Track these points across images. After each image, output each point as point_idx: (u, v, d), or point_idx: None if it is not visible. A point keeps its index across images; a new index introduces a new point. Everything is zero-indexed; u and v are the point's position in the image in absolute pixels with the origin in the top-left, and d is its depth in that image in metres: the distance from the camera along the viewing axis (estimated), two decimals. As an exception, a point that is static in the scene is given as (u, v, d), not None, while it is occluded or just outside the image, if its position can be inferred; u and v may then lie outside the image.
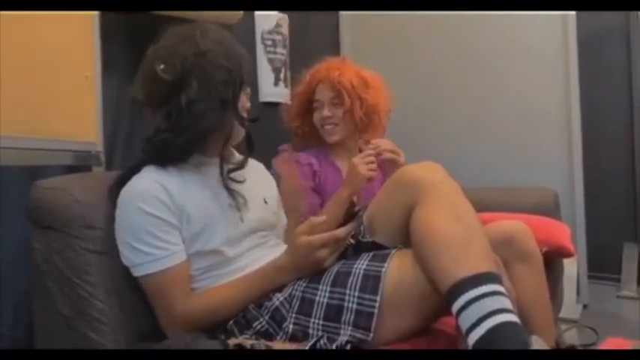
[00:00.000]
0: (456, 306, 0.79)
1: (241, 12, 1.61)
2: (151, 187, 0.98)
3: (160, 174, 1.00)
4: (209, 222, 1.01)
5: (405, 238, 0.93)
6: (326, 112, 1.47)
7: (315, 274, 0.96)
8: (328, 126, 1.48)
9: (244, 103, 1.09)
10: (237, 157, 1.15)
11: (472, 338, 0.77)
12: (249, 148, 1.10)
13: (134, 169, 1.03)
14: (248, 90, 1.10)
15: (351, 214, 0.96)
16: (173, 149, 1.00)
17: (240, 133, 1.08)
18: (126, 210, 0.98)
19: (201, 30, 1.03)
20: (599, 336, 1.63)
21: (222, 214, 1.03)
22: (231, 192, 1.04)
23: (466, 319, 0.78)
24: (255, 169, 1.24)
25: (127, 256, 0.98)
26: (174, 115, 0.99)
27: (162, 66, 0.99)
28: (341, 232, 0.95)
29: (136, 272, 0.98)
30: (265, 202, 1.16)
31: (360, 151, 1.59)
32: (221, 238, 1.02)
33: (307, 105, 1.53)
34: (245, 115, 1.08)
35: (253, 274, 1.00)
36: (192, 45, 1.00)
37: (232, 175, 1.05)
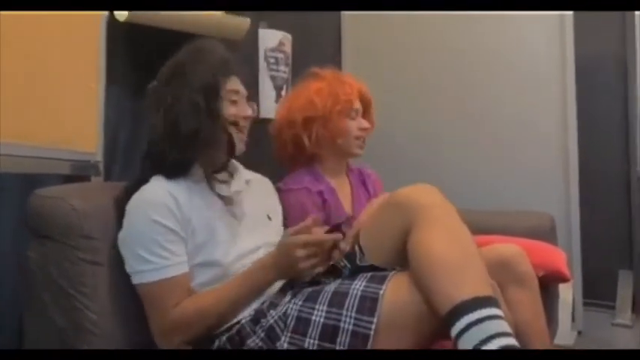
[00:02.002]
0: (455, 329, 0.78)
1: (246, 29, 1.63)
2: (161, 195, 1.00)
3: (170, 184, 1.03)
4: (211, 236, 1.02)
5: (402, 260, 0.93)
6: (365, 124, 1.43)
7: (293, 276, 0.99)
8: (362, 138, 1.44)
9: (242, 110, 1.09)
10: (242, 170, 1.17)
11: None
12: (229, 153, 1.09)
13: (142, 180, 1.04)
14: (233, 96, 1.09)
15: (335, 225, 0.97)
16: (168, 159, 1.03)
17: (237, 143, 1.09)
18: (135, 217, 0.99)
19: (190, 43, 1.09)
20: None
21: (225, 230, 1.05)
22: (222, 198, 1.05)
23: (466, 343, 0.77)
24: (260, 183, 1.24)
25: (130, 263, 0.99)
26: (156, 125, 1.04)
27: (155, 82, 1.07)
28: (324, 237, 0.96)
29: (136, 280, 0.99)
30: (269, 219, 1.16)
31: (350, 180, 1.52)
32: (222, 252, 1.02)
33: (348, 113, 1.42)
34: (242, 123, 1.09)
35: (240, 275, 1.01)
36: (175, 57, 1.07)
37: (217, 176, 1.07)
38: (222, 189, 1.07)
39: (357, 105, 1.45)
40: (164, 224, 0.97)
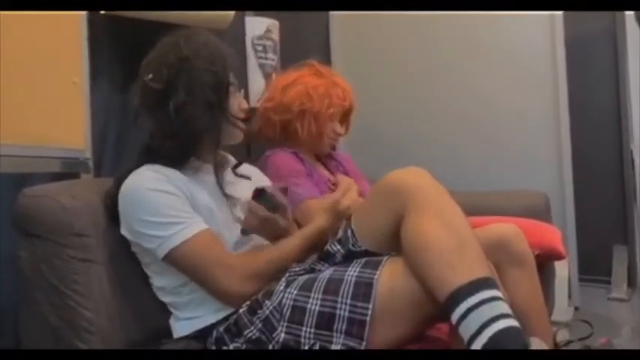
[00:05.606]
0: (455, 315, 0.78)
1: (231, 17, 1.60)
2: (155, 176, 0.99)
3: (162, 170, 1.01)
4: (211, 217, 1.02)
5: (396, 244, 0.92)
6: (339, 129, 1.50)
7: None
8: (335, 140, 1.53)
9: (240, 103, 1.11)
10: (232, 160, 1.17)
11: (475, 347, 0.76)
12: (248, 152, 1.15)
13: (132, 170, 1.02)
14: (242, 90, 1.12)
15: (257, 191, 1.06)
16: (168, 153, 1.02)
17: (235, 134, 1.10)
18: (138, 195, 0.97)
19: (185, 36, 1.06)
20: (593, 328, 1.63)
21: (222, 219, 1.04)
22: (227, 196, 1.06)
23: (467, 328, 0.77)
24: (249, 173, 1.24)
25: (155, 235, 0.95)
26: (164, 121, 1.02)
27: (150, 75, 1.03)
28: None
29: (172, 243, 0.94)
30: None
31: (327, 167, 1.58)
32: (222, 238, 1.02)
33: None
34: (242, 115, 1.10)
35: (296, 240, 1.05)
36: (177, 51, 1.03)
37: (237, 170, 1.14)
38: (227, 186, 1.08)
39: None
40: (172, 192, 0.97)
